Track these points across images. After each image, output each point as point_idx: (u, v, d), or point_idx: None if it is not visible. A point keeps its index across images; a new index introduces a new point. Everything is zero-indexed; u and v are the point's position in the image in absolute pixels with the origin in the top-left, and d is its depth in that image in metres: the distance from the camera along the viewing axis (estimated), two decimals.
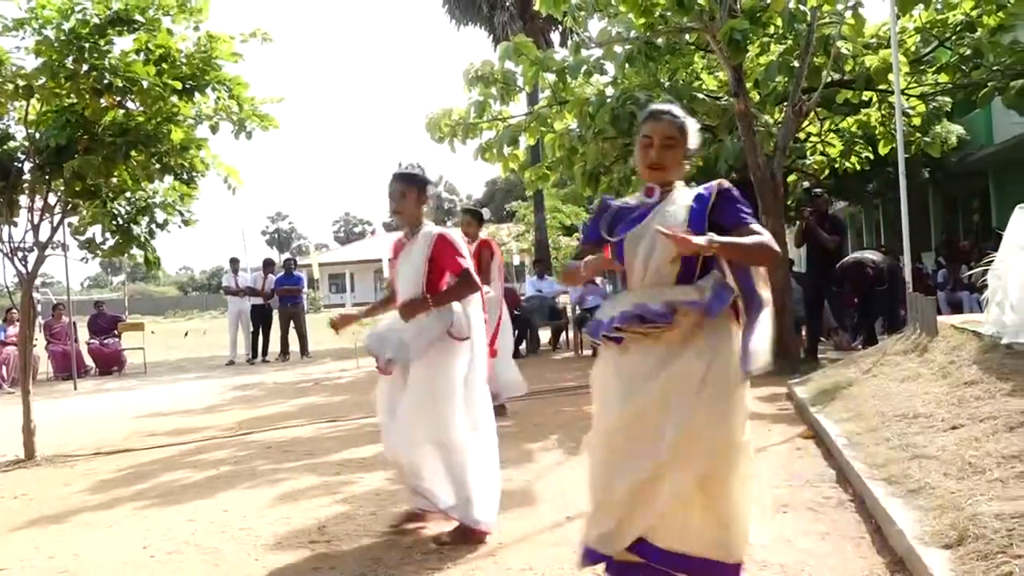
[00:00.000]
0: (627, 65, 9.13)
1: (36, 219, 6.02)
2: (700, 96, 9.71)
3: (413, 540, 3.56)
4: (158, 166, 6.04)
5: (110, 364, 13.39)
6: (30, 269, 6.06)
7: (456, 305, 3.53)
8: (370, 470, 4.90)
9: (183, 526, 4.01)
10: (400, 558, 3.35)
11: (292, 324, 13.84)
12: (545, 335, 13.16)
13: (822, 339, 9.61)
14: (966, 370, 4.67)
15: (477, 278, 3.60)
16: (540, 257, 19.06)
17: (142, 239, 6.34)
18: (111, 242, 6.33)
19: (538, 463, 4.87)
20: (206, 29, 5.64)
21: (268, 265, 14.17)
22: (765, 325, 2.51)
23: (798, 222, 9.59)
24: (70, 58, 5.37)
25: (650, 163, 2.58)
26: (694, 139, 2.63)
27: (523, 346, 12.07)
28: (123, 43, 5.57)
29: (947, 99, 10.16)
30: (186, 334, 22.81)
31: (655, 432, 2.42)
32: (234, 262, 14.19)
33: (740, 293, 2.52)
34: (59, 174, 5.74)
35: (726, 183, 2.58)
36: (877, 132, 10.90)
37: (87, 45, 5.32)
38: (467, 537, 3.46)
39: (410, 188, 3.64)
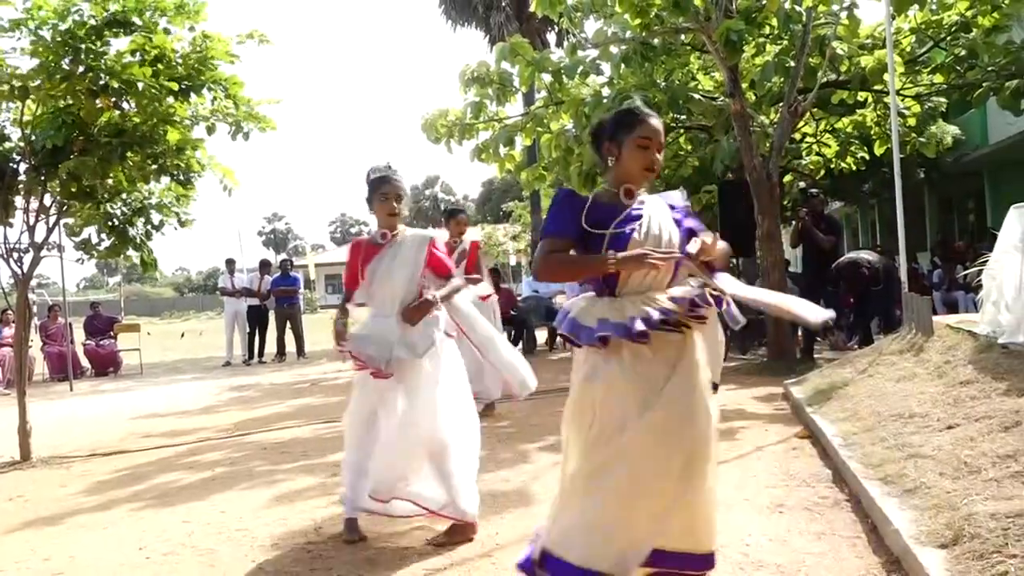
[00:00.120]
0: (623, 65, 9.16)
1: (32, 220, 6.01)
2: (696, 96, 9.73)
3: (409, 541, 3.56)
4: (154, 167, 6.03)
5: (106, 365, 13.36)
6: (26, 270, 6.05)
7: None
8: None
9: (179, 527, 4.01)
10: (397, 559, 3.35)
11: (288, 325, 13.83)
12: (542, 335, 13.17)
13: (818, 339, 9.63)
14: (962, 370, 4.69)
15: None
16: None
17: (138, 240, 6.33)
18: (107, 243, 6.32)
19: (535, 464, 4.88)
20: (202, 29, 5.63)
21: (264, 266, 14.16)
22: (727, 280, 2.70)
23: (794, 222, 9.60)
24: (66, 59, 5.36)
25: (649, 166, 2.57)
26: None
27: (519, 346, 12.10)
28: (118, 44, 5.56)
29: (942, 99, 10.19)
30: (182, 335, 22.80)
31: (679, 443, 2.41)
32: (230, 263, 14.17)
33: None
34: (55, 175, 5.73)
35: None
36: (873, 132, 10.94)
37: (83, 47, 5.31)
38: (461, 532, 3.48)
39: (404, 191, 3.71)
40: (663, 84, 9.59)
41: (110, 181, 5.93)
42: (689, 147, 12.38)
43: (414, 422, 3.44)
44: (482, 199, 63.67)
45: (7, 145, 5.89)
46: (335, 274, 47.57)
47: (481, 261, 6.68)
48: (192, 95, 5.77)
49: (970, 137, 14.12)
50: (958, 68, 9.21)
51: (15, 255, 6.05)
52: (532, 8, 9.05)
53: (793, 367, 7.91)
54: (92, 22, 5.33)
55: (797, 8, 8.24)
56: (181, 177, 6.23)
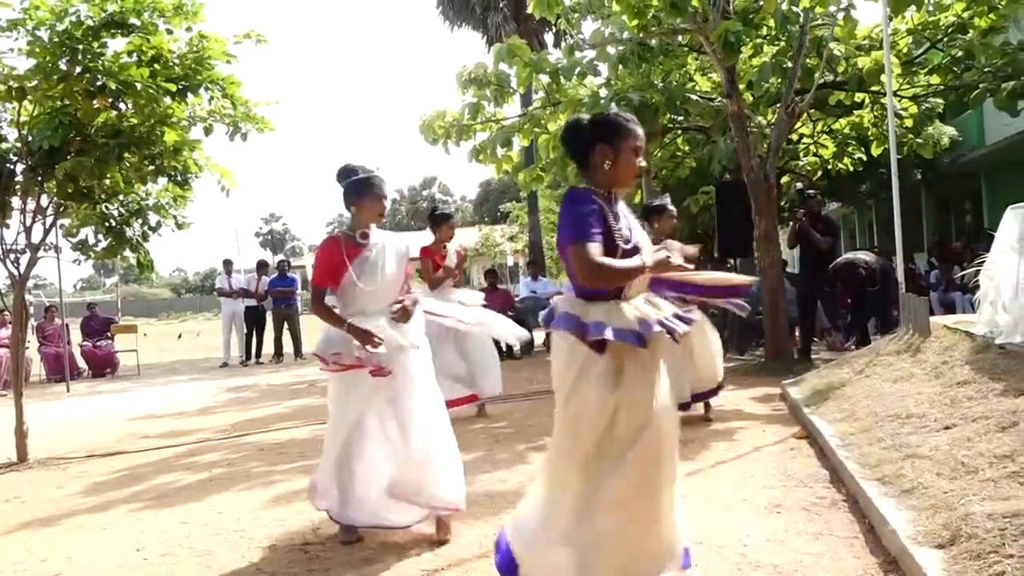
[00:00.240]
0: (620, 66, 9.16)
1: (28, 221, 6.00)
2: (694, 97, 9.73)
3: (407, 542, 3.56)
4: (151, 168, 6.03)
5: (103, 366, 13.34)
6: (22, 271, 6.04)
7: None
8: None
9: (177, 528, 4.01)
10: (394, 560, 3.35)
11: (286, 326, 13.82)
12: (539, 336, 13.15)
13: (815, 340, 9.64)
14: (959, 370, 4.69)
15: None
16: (534, 258, 19.09)
17: (135, 242, 6.32)
18: (104, 244, 6.32)
19: (533, 464, 4.87)
20: (198, 29, 5.62)
21: (262, 267, 14.15)
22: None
23: (791, 223, 9.61)
24: (63, 60, 5.35)
25: (639, 172, 2.63)
26: None
27: (517, 347, 12.09)
28: (116, 45, 5.56)
29: (939, 100, 10.21)
30: (179, 336, 22.77)
31: (673, 447, 2.55)
32: (227, 264, 14.16)
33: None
34: (51, 176, 5.72)
35: None
36: (870, 133, 10.96)
37: (80, 47, 5.30)
38: (445, 528, 3.57)
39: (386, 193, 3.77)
40: (660, 85, 9.59)
41: (107, 182, 5.92)
42: (687, 148, 12.39)
43: (428, 422, 3.51)
44: (480, 200, 63.69)
45: (4, 146, 5.88)
46: None
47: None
48: (189, 95, 5.76)
49: (967, 138, 14.15)
50: (955, 69, 9.22)
51: (12, 256, 6.04)
52: (530, 9, 9.05)
53: (790, 368, 7.92)
54: (89, 23, 5.33)
55: (794, 9, 8.25)
56: (178, 178, 6.22)
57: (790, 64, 8.52)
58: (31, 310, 10.53)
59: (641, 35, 8.69)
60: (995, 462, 3.24)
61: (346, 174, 3.68)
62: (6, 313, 11.30)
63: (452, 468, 3.53)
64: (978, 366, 4.58)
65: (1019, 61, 8.33)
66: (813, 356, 8.79)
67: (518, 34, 12.89)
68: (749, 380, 7.81)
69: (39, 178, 5.83)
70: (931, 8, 9.19)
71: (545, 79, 9.48)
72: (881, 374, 5.56)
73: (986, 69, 8.60)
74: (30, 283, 6.47)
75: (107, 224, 6.22)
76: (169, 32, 5.55)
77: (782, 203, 12.44)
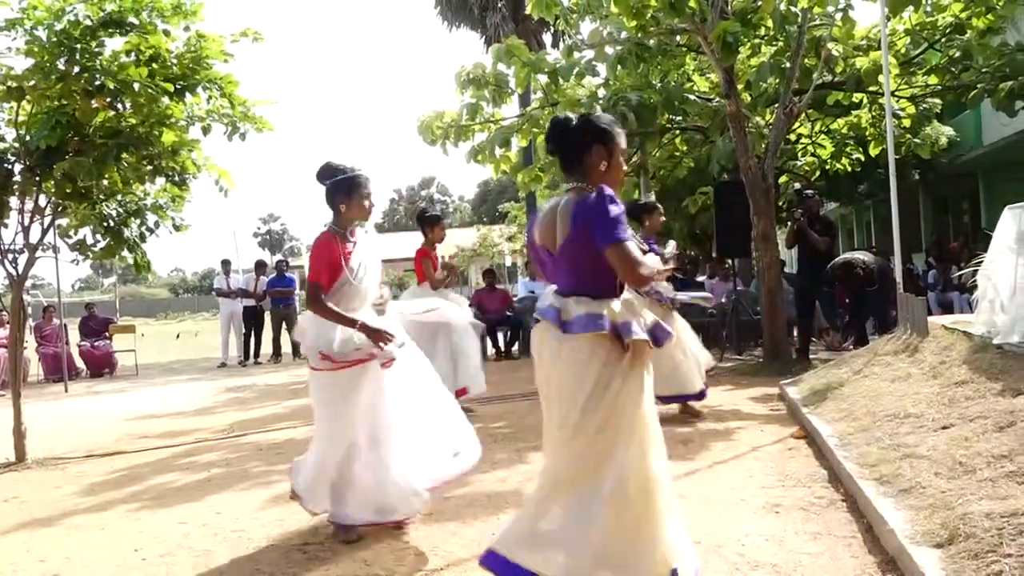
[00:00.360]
0: (618, 66, 9.16)
1: (27, 221, 5.99)
2: (692, 98, 9.74)
3: (406, 542, 3.56)
4: (149, 168, 6.02)
5: (101, 366, 13.33)
6: (21, 271, 6.03)
7: None
8: None
9: (175, 528, 4.00)
10: (394, 559, 3.35)
11: (284, 326, 13.80)
12: None
13: (813, 340, 9.65)
14: (956, 370, 4.70)
15: None
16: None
17: (132, 242, 6.31)
18: (102, 244, 6.31)
19: (531, 464, 4.88)
20: (196, 29, 5.62)
21: (260, 266, 14.15)
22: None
23: (789, 223, 9.62)
24: (61, 59, 5.35)
25: (623, 177, 2.70)
26: None
27: (516, 347, 12.12)
28: (114, 44, 5.55)
29: (937, 101, 10.22)
30: (178, 336, 22.76)
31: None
32: (226, 264, 14.15)
33: None
34: (49, 176, 5.72)
35: None
36: (867, 133, 10.97)
37: (78, 46, 5.30)
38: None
39: None
40: (659, 85, 9.59)
41: (105, 182, 5.91)
42: (685, 148, 12.40)
43: (410, 408, 3.62)
44: (478, 200, 63.69)
45: (2, 146, 5.87)
46: None
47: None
48: (187, 95, 5.76)
49: (965, 138, 14.17)
50: (953, 70, 9.23)
51: (10, 256, 6.03)
52: (528, 9, 9.05)
53: (789, 367, 7.93)
54: (87, 22, 5.32)
55: (793, 9, 8.26)
56: (176, 178, 6.21)
57: (788, 64, 8.53)
58: (29, 310, 10.54)
59: (639, 35, 8.69)
60: (993, 462, 3.24)
61: (331, 173, 3.69)
62: (4, 313, 11.30)
63: (457, 439, 3.69)
64: (976, 366, 4.58)
65: (1017, 61, 8.34)
66: (811, 356, 8.79)
67: (516, 34, 12.91)
68: (747, 380, 7.82)
69: (37, 178, 5.82)
70: (929, 9, 9.19)
71: (543, 79, 9.48)
72: (879, 374, 5.56)
73: (984, 69, 8.61)
74: (28, 283, 6.46)
75: (105, 224, 6.21)
76: (167, 34, 5.55)
77: (780, 203, 12.45)
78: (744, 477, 4.29)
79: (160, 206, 6.44)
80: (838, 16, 8.36)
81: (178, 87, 5.65)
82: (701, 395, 5.97)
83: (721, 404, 6.46)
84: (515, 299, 12.90)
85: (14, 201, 6.00)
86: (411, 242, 6.59)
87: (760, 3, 8.04)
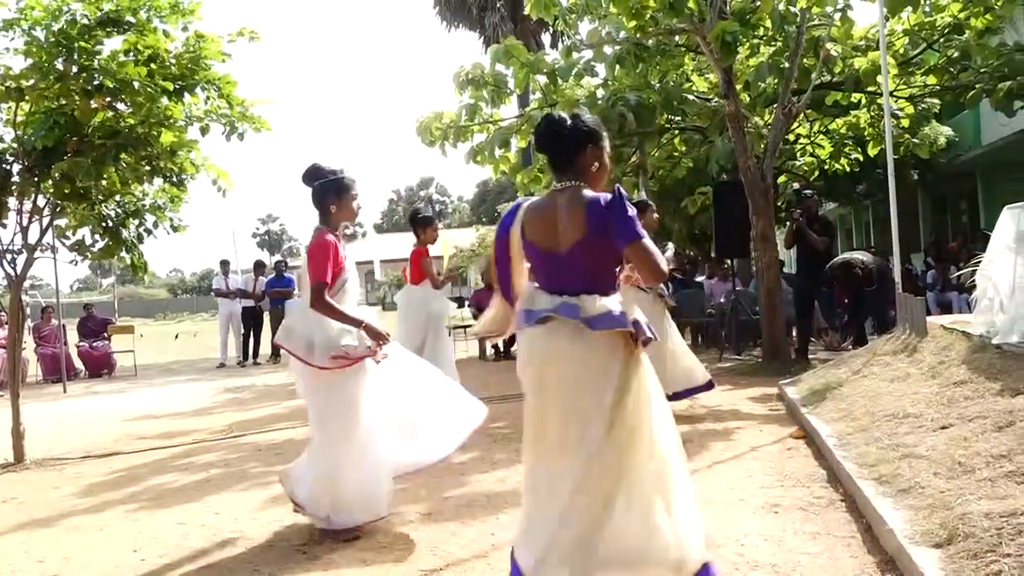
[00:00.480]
0: (617, 67, 9.16)
1: (25, 221, 5.99)
2: (691, 98, 9.74)
3: (405, 542, 3.56)
4: (148, 168, 6.02)
5: (99, 367, 13.32)
6: (19, 271, 6.03)
7: None
8: None
9: (174, 529, 4.00)
10: (393, 559, 3.35)
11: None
12: None
13: (812, 340, 9.65)
14: (955, 370, 4.70)
15: None
16: None
17: (130, 243, 6.31)
18: (100, 244, 6.30)
19: None
20: (194, 29, 5.62)
21: (259, 267, 14.14)
22: None
23: (788, 223, 9.62)
24: (59, 59, 5.35)
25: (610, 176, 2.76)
26: None
27: (515, 347, 12.10)
28: (112, 44, 5.55)
29: (935, 101, 10.23)
30: (176, 336, 22.73)
31: None
32: (224, 264, 14.14)
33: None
34: (48, 176, 5.71)
35: None
36: (866, 133, 10.97)
37: (77, 46, 5.29)
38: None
39: None
40: (657, 85, 9.60)
41: (104, 182, 5.91)
42: (683, 148, 12.39)
43: (406, 387, 3.73)
44: (477, 200, 63.68)
45: (0, 146, 5.87)
46: None
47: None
48: (186, 95, 5.75)
49: (963, 138, 14.18)
50: (951, 70, 9.23)
51: (8, 256, 6.03)
52: (527, 10, 9.05)
53: (788, 368, 7.93)
54: (85, 21, 5.32)
55: (792, 9, 8.27)
56: (174, 179, 6.21)
57: (787, 64, 8.53)
58: (28, 311, 10.53)
59: (638, 35, 8.69)
60: (992, 461, 3.24)
61: (321, 174, 3.72)
62: (3, 314, 11.30)
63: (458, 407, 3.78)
64: (975, 366, 4.59)
65: (1015, 62, 8.34)
66: (810, 356, 8.79)
67: (515, 35, 12.93)
68: (746, 380, 7.82)
69: (36, 178, 5.82)
70: (927, 9, 9.20)
71: (542, 80, 9.49)
72: (878, 374, 5.56)
73: (982, 70, 8.61)
74: (27, 284, 6.46)
75: (104, 225, 6.21)
76: (166, 34, 5.55)
77: (779, 203, 12.46)
78: (743, 477, 4.29)
79: (159, 207, 6.45)
80: (837, 16, 8.36)
81: (177, 87, 5.65)
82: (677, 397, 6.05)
83: (720, 404, 6.47)
84: None
85: (12, 201, 6.00)
86: (410, 243, 6.63)
87: (759, 3, 8.04)
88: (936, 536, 2.78)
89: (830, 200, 17.17)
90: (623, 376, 2.49)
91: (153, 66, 5.54)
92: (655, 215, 6.24)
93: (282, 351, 3.82)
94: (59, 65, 5.36)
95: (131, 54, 5.53)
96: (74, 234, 6.34)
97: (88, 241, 6.33)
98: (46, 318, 13.16)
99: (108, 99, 5.59)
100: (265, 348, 13.92)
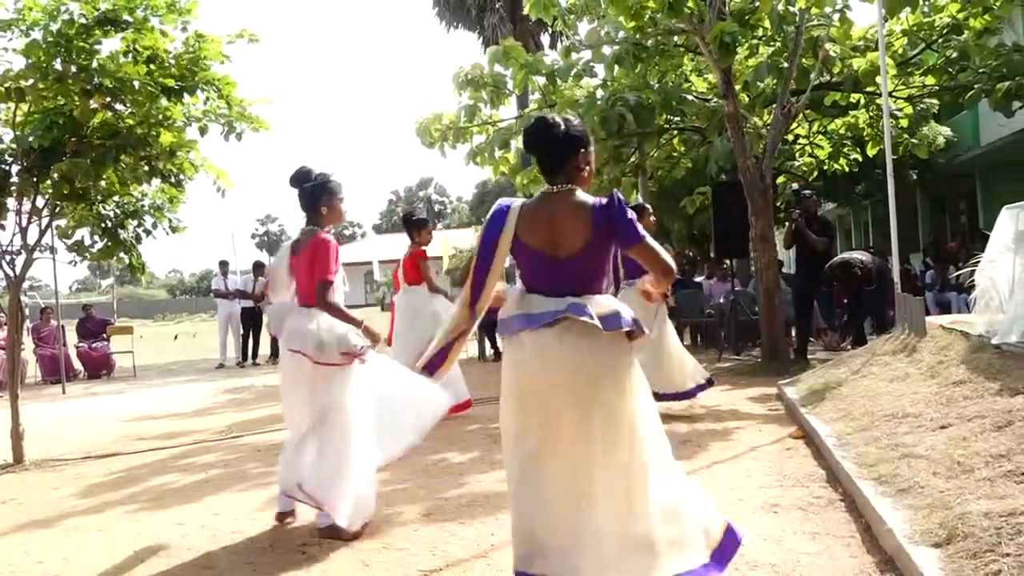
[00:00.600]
0: (616, 67, 9.16)
1: (24, 222, 5.98)
2: (690, 98, 9.75)
3: (405, 542, 3.56)
4: (147, 169, 6.01)
5: (99, 368, 13.31)
6: (18, 272, 6.02)
7: None
8: None
9: (173, 530, 4.00)
10: (392, 559, 3.35)
11: None
12: None
13: (812, 340, 9.66)
14: (954, 370, 4.71)
15: None
16: None
17: (129, 243, 6.31)
18: (99, 245, 6.30)
19: None
20: (194, 29, 5.62)
21: (258, 268, 14.11)
22: None
23: (787, 223, 9.63)
24: (58, 59, 5.34)
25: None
26: None
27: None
28: (110, 44, 5.55)
29: (934, 101, 10.24)
30: (175, 337, 22.73)
31: None
32: (224, 265, 14.13)
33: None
34: (47, 176, 5.71)
35: None
36: (865, 134, 10.99)
37: (75, 46, 5.29)
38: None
39: None
40: (656, 86, 9.60)
41: (103, 183, 5.91)
42: (682, 148, 12.40)
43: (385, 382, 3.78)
44: (476, 201, 63.63)
45: None
46: None
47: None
48: (185, 95, 5.75)
49: (962, 138, 14.20)
50: (950, 70, 9.25)
51: (7, 257, 6.03)
52: (526, 10, 9.05)
53: (787, 368, 7.93)
54: (83, 21, 5.32)
55: (791, 9, 8.27)
56: (172, 179, 6.21)
57: (786, 65, 8.54)
58: (27, 311, 10.52)
59: (637, 36, 8.69)
60: (991, 461, 3.25)
61: (310, 176, 3.77)
62: (2, 315, 11.29)
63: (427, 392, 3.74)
64: (974, 366, 4.59)
65: (1014, 62, 8.35)
66: (809, 356, 8.79)
67: (514, 35, 12.93)
68: (745, 380, 7.82)
69: (35, 179, 5.82)
70: (926, 9, 9.21)
71: (541, 80, 9.50)
72: (877, 374, 5.57)
73: (981, 70, 8.63)
74: (26, 284, 6.46)
75: (103, 225, 6.21)
76: (164, 34, 5.54)
77: (778, 203, 12.48)
78: (742, 477, 4.30)
79: (157, 207, 6.45)
80: (836, 16, 8.37)
81: (177, 87, 5.65)
82: (688, 395, 6.08)
83: (719, 404, 6.47)
84: None
85: (11, 202, 5.99)
86: (407, 244, 6.66)
87: (758, 3, 8.05)
88: (935, 536, 2.79)
89: (829, 200, 17.20)
90: (627, 372, 2.58)
91: (152, 66, 5.54)
92: (652, 217, 6.32)
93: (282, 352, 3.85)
94: (58, 65, 5.35)
95: (130, 54, 5.53)
96: (73, 235, 6.33)
97: (87, 242, 6.34)
98: (45, 319, 13.16)
99: (107, 99, 5.59)
100: (264, 349, 13.92)
